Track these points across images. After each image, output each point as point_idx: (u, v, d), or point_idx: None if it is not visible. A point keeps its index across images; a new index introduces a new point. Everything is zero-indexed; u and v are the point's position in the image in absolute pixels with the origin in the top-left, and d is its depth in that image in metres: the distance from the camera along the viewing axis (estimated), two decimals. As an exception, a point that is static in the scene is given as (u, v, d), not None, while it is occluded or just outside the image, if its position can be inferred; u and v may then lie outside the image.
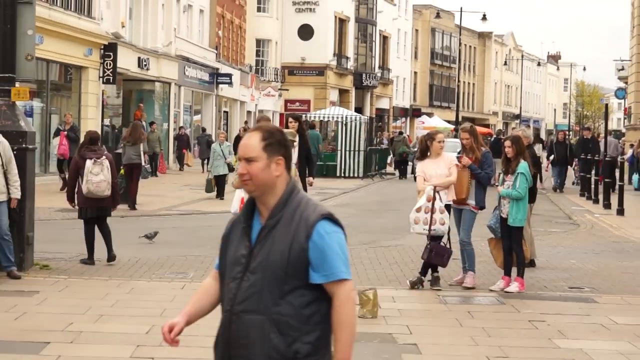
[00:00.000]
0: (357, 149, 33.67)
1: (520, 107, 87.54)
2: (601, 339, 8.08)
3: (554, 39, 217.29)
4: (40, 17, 19.12)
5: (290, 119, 12.63)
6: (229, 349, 3.33)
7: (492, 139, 32.43)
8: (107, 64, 28.08)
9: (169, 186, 25.25)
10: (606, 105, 28.54)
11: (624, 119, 54.94)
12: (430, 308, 9.32)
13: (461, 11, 57.16)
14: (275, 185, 3.34)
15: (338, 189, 26.94)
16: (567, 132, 31.97)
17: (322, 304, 3.30)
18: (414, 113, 67.13)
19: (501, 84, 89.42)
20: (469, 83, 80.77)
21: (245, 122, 40.90)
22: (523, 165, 9.98)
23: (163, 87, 35.64)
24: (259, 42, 50.59)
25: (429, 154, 10.26)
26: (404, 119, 67.58)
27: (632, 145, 31.75)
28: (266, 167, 3.32)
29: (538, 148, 25.76)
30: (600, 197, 22.03)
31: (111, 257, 11.39)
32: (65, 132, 22.18)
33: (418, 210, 10.06)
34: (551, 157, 27.04)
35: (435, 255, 10.01)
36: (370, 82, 58.10)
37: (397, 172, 36.37)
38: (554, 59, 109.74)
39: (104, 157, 11.30)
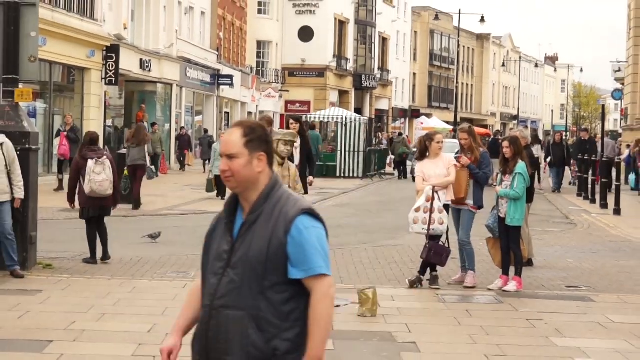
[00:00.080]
0: (356, 149, 33.77)
1: (518, 108, 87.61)
2: (598, 338, 8.12)
3: (552, 40, 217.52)
4: (44, 19, 19.23)
5: (291, 120, 12.66)
6: (207, 344, 3.29)
7: (490, 139, 32.52)
8: (109, 65, 28.18)
9: (171, 186, 25.31)
10: (603, 106, 28.55)
11: (621, 119, 54.95)
12: (429, 307, 9.36)
13: (460, 13, 57.24)
14: (257, 181, 3.31)
15: (338, 189, 26.99)
16: (563, 133, 31.99)
17: (302, 300, 3.26)
18: (413, 114, 67.18)
19: (499, 85, 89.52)
20: (467, 84, 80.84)
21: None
22: (521, 166, 10.06)
23: (165, 88, 35.74)
24: (259, 44, 50.69)
25: (427, 154, 10.33)
26: (403, 120, 67.63)
27: (628, 146, 31.80)
28: (248, 163, 3.29)
29: (537, 149, 25.85)
30: (597, 197, 22.07)
31: (106, 257, 11.47)
32: (66, 133, 22.28)
33: (417, 210, 10.12)
34: (548, 159, 27.10)
35: (434, 254, 10.07)
36: (369, 84, 58.19)
37: (396, 172, 36.50)
38: (552, 60, 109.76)
39: (105, 156, 11.41)
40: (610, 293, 10.36)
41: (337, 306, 9.04)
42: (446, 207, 10.22)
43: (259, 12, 50.45)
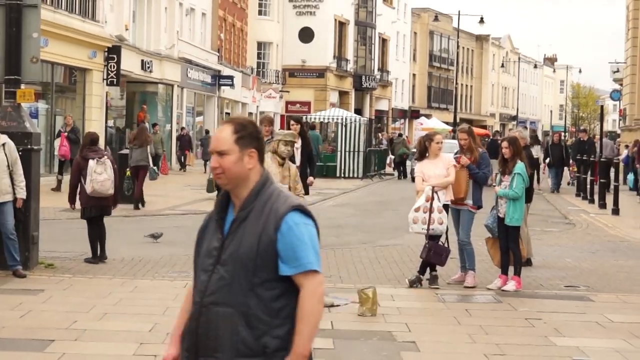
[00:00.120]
0: (356, 149, 33.84)
1: (517, 109, 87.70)
2: (596, 337, 8.14)
3: (551, 41, 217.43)
4: (45, 20, 19.24)
5: (292, 122, 12.65)
6: (197, 341, 3.27)
7: (489, 140, 32.58)
8: (111, 66, 28.23)
9: (172, 186, 25.36)
10: (601, 106, 28.62)
11: (619, 120, 55.04)
12: (429, 306, 9.39)
13: (459, 14, 57.35)
14: (248, 178, 3.30)
15: (338, 189, 27.05)
16: (561, 134, 32.08)
17: (293, 297, 3.23)
18: (413, 114, 67.24)
19: (498, 86, 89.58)
20: (466, 85, 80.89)
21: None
22: (520, 166, 10.10)
23: (166, 89, 35.82)
24: (260, 45, 50.77)
25: (427, 154, 10.39)
26: (402, 121, 67.67)
27: (627, 146, 31.88)
28: (238, 160, 3.28)
29: (537, 150, 25.90)
30: (596, 197, 22.11)
31: (103, 257, 11.52)
32: (66, 134, 22.33)
33: (417, 210, 10.16)
34: (547, 160, 27.16)
35: (433, 254, 10.11)
36: (369, 84, 58.25)
37: (395, 173, 36.58)
38: (550, 61, 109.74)
39: (105, 156, 11.47)
40: (608, 292, 10.40)
41: (337, 305, 9.10)
42: (445, 207, 10.26)
43: (260, 13, 50.53)
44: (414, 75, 71.14)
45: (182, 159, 34.86)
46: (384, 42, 63.08)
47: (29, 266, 10.60)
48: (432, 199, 10.08)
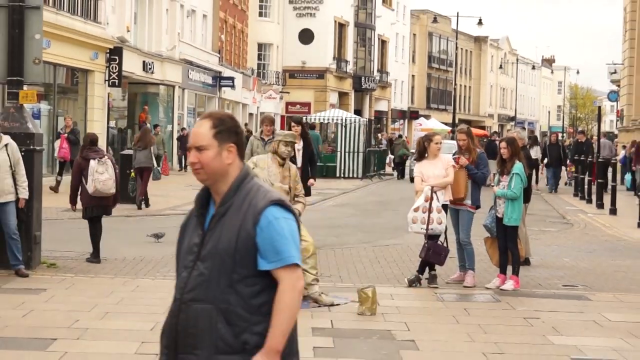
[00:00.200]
0: (356, 150, 33.91)
1: (515, 110, 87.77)
2: (594, 336, 8.18)
3: (549, 43, 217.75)
4: (48, 21, 19.34)
5: (292, 123, 12.65)
6: (176, 338, 3.22)
7: (487, 140, 32.65)
8: (112, 67, 28.29)
9: (172, 187, 25.41)
10: (599, 107, 28.69)
11: (617, 121, 55.11)
12: (428, 305, 9.43)
13: (458, 16, 57.40)
14: (227, 173, 3.24)
15: (337, 189, 27.09)
16: (559, 134, 32.13)
17: (273, 293, 3.17)
18: (412, 115, 67.26)
19: (497, 86, 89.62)
20: (465, 86, 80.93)
21: (246, 124, 41.12)
22: (518, 166, 10.15)
23: (167, 90, 35.90)
24: (260, 46, 50.84)
25: (426, 155, 10.45)
26: (402, 121, 67.71)
27: (624, 147, 31.95)
28: (217, 155, 3.22)
29: (536, 150, 25.97)
30: (594, 197, 22.16)
31: (97, 256, 11.57)
32: (66, 135, 22.39)
33: (416, 209, 10.22)
34: (545, 160, 27.24)
35: (432, 253, 10.16)
36: (369, 85, 58.30)
37: (395, 173, 36.66)
38: (548, 62, 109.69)
39: (106, 157, 11.54)
40: (606, 292, 10.45)
41: (337, 305, 9.17)
42: (444, 207, 10.31)
43: (260, 15, 50.60)
44: (413, 76, 71.19)
45: (183, 160, 34.89)
46: (383, 43, 63.13)
47: (32, 266, 10.65)
48: (431, 199, 10.13)
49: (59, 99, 27.07)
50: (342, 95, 56.63)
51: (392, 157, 37.58)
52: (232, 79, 41.87)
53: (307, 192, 11.62)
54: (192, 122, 39.31)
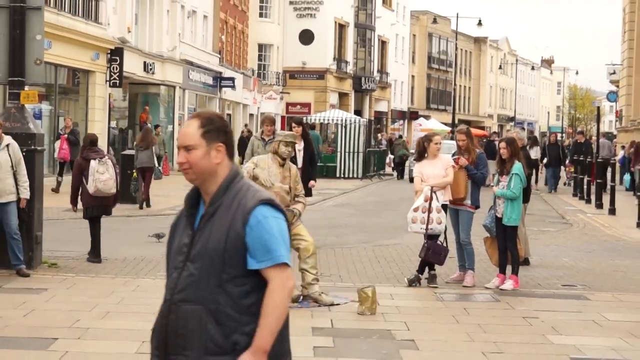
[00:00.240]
0: (356, 150, 33.96)
1: (515, 110, 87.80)
2: (593, 335, 8.19)
3: (548, 43, 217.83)
4: (49, 22, 19.38)
5: (293, 124, 12.66)
6: (166, 339, 3.21)
7: (486, 141, 32.68)
8: (113, 68, 28.33)
9: (173, 187, 25.41)
10: (598, 108, 28.79)
11: (616, 121, 55.16)
12: (428, 305, 9.44)
13: (457, 17, 57.50)
14: (216, 173, 3.22)
15: (337, 189, 27.11)
16: (558, 134, 32.17)
17: (262, 293, 3.15)
18: (412, 116, 67.31)
19: (496, 87, 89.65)
20: (465, 86, 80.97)
21: (246, 125, 41.17)
22: (517, 167, 10.18)
23: (168, 90, 35.95)
24: (261, 47, 50.89)
25: (426, 155, 10.48)
26: (401, 122, 67.75)
27: (623, 147, 31.98)
28: (205, 154, 3.20)
29: (536, 151, 26.02)
30: (593, 197, 22.19)
31: (95, 256, 11.61)
32: (66, 136, 22.42)
33: (416, 209, 10.24)
34: (544, 160, 27.28)
35: (432, 253, 10.19)
36: (369, 86, 58.35)
37: (395, 173, 36.71)
38: (548, 63, 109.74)
39: (106, 157, 11.58)
40: (605, 291, 10.47)
41: (337, 304, 9.20)
42: (444, 207, 10.34)
43: (260, 15, 50.65)
44: (412, 76, 71.22)
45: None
46: (383, 44, 63.18)
47: (33, 265, 10.67)
48: (431, 199, 10.17)
49: (60, 99, 27.12)
50: (342, 95, 56.67)
51: (392, 157, 37.63)
52: (232, 79, 41.93)
53: (308, 193, 11.64)
54: (192, 122, 39.42)
